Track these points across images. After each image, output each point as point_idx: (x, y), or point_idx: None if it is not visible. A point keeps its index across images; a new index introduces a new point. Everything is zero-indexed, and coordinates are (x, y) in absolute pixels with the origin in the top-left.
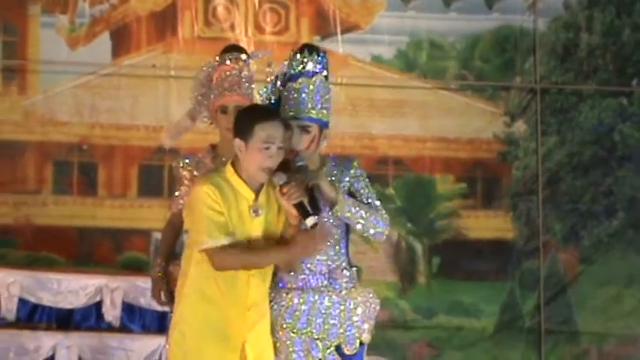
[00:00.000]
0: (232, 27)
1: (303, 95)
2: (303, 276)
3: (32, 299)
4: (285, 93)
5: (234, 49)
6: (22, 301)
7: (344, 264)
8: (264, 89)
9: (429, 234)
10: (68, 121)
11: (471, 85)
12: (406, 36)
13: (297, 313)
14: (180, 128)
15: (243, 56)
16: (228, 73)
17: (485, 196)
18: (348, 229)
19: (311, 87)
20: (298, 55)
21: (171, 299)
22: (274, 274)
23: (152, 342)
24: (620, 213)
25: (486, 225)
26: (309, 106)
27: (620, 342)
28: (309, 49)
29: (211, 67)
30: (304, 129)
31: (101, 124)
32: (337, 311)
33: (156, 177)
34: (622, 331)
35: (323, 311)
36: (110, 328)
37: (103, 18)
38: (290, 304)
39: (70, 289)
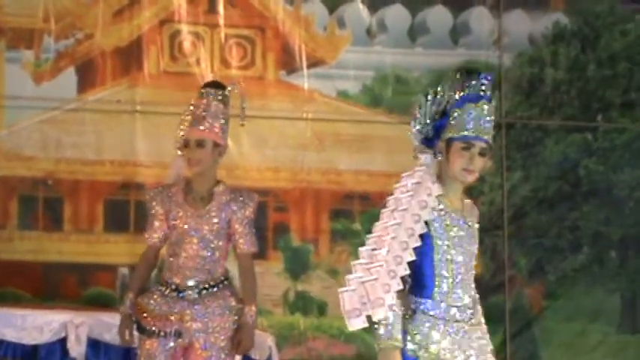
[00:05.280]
0: (198, 62)
1: (486, 117)
2: (448, 307)
3: None
4: (464, 113)
5: (211, 84)
6: None
7: (477, 299)
8: (425, 109)
9: None
10: (33, 156)
11: None
12: (372, 71)
13: (440, 344)
14: (177, 168)
15: (215, 91)
16: (194, 108)
17: None
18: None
19: (490, 111)
20: (475, 79)
21: (141, 331)
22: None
23: None
24: (586, 248)
25: None
26: (488, 129)
27: None
28: (481, 74)
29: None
30: (483, 151)
31: (67, 159)
32: (476, 345)
33: (122, 212)
34: None
35: (464, 344)
36: None
37: (68, 53)
38: (432, 332)
39: (35, 324)
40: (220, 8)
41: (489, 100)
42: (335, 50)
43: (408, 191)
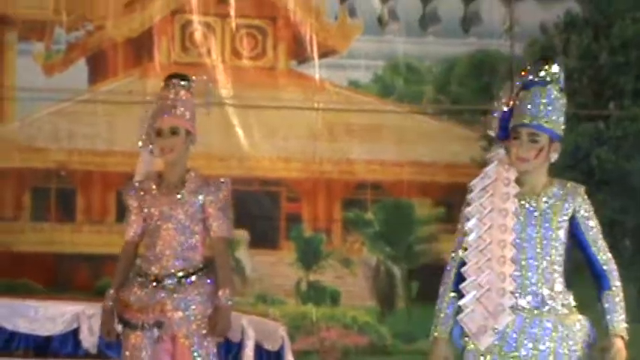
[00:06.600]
0: (209, 52)
1: (535, 103)
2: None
3: (9, 327)
4: (518, 102)
5: (175, 76)
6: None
7: (560, 287)
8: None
9: (408, 258)
10: (45, 148)
11: (447, 109)
12: (383, 60)
13: (506, 335)
14: (146, 164)
15: (183, 82)
16: (163, 99)
17: None
18: (570, 253)
19: (543, 96)
20: (534, 65)
21: (124, 325)
22: None
23: None
24: None
25: None
26: (540, 114)
27: None
28: (546, 59)
29: (157, 98)
30: (532, 137)
31: (79, 150)
32: (548, 336)
33: None
34: None
35: (533, 335)
36: (87, 355)
37: (79, 44)
38: None
39: (48, 315)
40: None
41: (543, 85)
42: (346, 40)
43: (487, 193)
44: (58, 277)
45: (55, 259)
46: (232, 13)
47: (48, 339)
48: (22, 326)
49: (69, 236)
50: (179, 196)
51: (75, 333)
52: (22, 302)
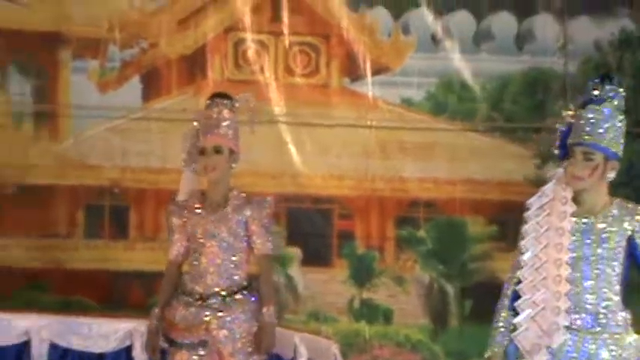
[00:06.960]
0: (262, 70)
1: (589, 121)
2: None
3: (63, 344)
4: (574, 120)
5: (217, 95)
6: (53, 346)
7: (615, 306)
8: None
9: (461, 276)
10: (99, 165)
11: (500, 127)
12: (436, 77)
13: (559, 353)
14: (189, 183)
15: (225, 101)
16: (207, 117)
17: (517, 238)
18: (627, 272)
19: (598, 114)
20: (591, 83)
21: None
22: None
23: None
24: None
25: None
26: (594, 132)
27: None
28: (605, 77)
29: (200, 117)
30: (586, 156)
31: (132, 168)
32: (602, 356)
33: None
34: None
35: (586, 354)
36: None
37: (133, 62)
38: None
39: (101, 333)
40: (285, 16)
41: (599, 103)
42: (399, 57)
43: (544, 211)
44: (111, 294)
45: (108, 277)
46: (285, 30)
47: (101, 356)
48: (76, 343)
49: (122, 253)
50: (223, 215)
51: (128, 350)
52: (75, 319)
